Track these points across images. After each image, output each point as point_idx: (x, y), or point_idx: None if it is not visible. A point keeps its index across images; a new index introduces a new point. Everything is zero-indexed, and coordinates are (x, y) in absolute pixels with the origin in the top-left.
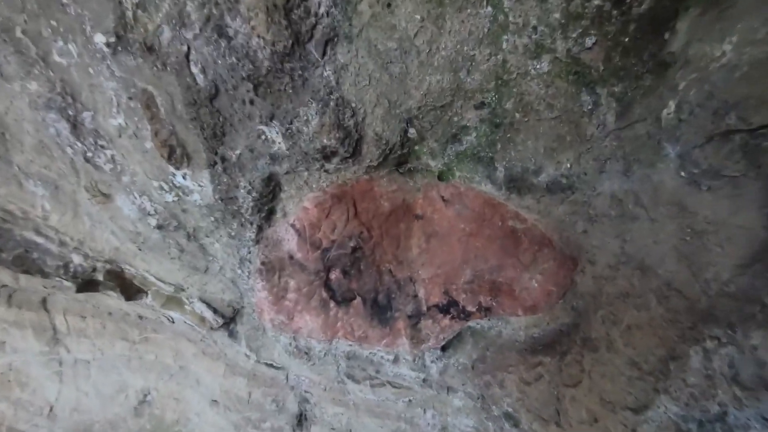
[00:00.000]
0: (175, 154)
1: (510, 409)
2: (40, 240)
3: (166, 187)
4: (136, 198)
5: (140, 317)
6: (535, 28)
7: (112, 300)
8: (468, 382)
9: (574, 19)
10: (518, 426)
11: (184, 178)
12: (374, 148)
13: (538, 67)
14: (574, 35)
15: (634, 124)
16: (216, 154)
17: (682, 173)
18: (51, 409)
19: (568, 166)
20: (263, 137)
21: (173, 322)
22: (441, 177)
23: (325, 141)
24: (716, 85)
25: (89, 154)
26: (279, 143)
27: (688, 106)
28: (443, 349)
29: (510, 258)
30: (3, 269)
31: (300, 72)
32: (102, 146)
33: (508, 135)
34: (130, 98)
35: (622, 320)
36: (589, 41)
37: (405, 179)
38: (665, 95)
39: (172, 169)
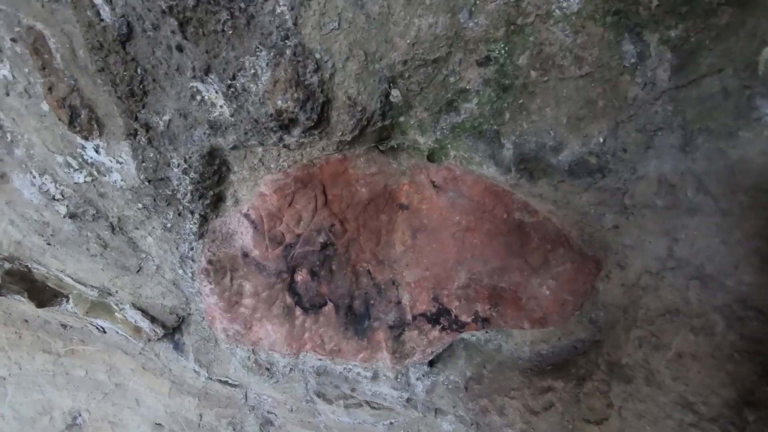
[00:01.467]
0: (79, 118)
1: None
2: None
3: (74, 163)
4: (35, 177)
5: (63, 326)
6: None
7: (26, 305)
8: (460, 404)
9: None
10: None
11: (96, 151)
12: (347, 117)
13: (565, 5)
14: None
15: (700, 80)
16: (136, 119)
17: None
18: None
19: (601, 140)
20: (199, 98)
21: (104, 332)
22: (432, 157)
23: (279, 103)
24: None
25: None
26: (220, 106)
27: None
28: (431, 364)
29: (515, 259)
30: None
31: (242, 5)
32: None
33: (521, 101)
34: (14, 40)
35: (669, 346)
36: (631, 50)
37: (387, 160)
38: (765, 29)
39: (79, 139)
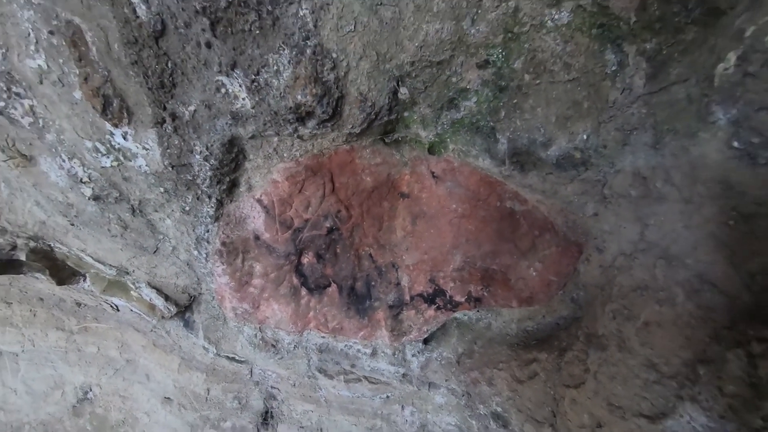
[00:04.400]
0: (111, 106)
1: (499, 409)
2: None
3: (102, 148)
4: (64, 161)
5: (78, 304)
6: None
7: (42, 284)
8: (452, 377)
9: None
10: (507, 427)
11: (124, 138)
12: (357, 111)
13: (556, 17)
14: None
15: (669, 87)
16: (164, 109)
17: (735, 143)
18: None
19: (585, 137)
20: (223, 90)
21: (118, 309)
22: (432, 150)
23: (299, 98)
24: None
25: (1, 104)
26: (243, 99)
27: (760, 56)
28: (426, 341)
29: (506, 243)
30: None
31: (269, 8)
32: (18, 94)
33: (515, 100)
34: (51, 32)
35: (638, 316)
36: (612, 59)
37: (391, 151)
38: (718, 48)
39: (109, 126)
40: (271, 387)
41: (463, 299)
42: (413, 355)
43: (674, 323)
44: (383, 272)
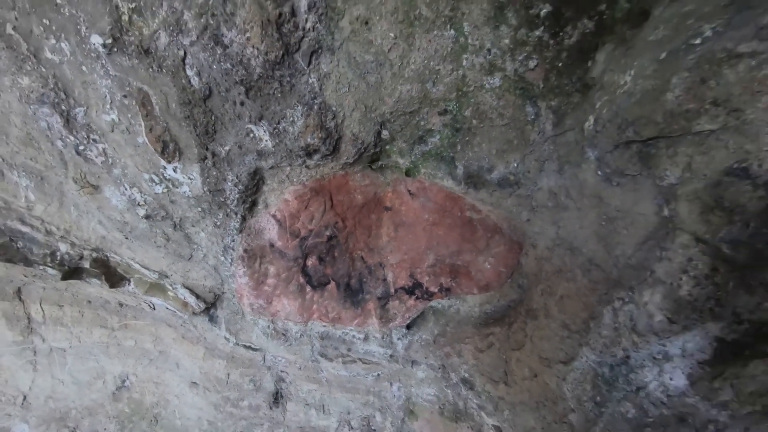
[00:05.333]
0: (167, 148)
1: (466, 375)
2: (25, 229)
3: (156, 179)
4: (126, 189)
5: (120, 304)
6: (489, 50)
7: (93, 288)
8: (430, 355)
9: (520, 45)
10: (473, 389)
11: (174, 171)
12: (351, 147)
13: (491, 82)
14: (520, 58)
15: (565, 132)
16: (207, 149)
17: (599, 172)
18: (24, 398)
19: (515, 165)
20: (251, 135)
21: (154, 308)
22: (408, 173)
23: (308, 140)
24: (620, 107)
25: (81, 147)
26: (266, 141)
27: (601, 121)
28: (408, 327)
29: (467, 244)
30: None
31: (288, 78)
32: (94, 140)
33: (466, 138)
34: (124, 96)
35: (556, 292)
36: (531, 63)
37: (377, 175)
38: (587, 111)
39: (163, 162)
40: (281, 371)
41: (436, 289)
42: (398, 339)
43: (576, 294)
44: (372, 270)
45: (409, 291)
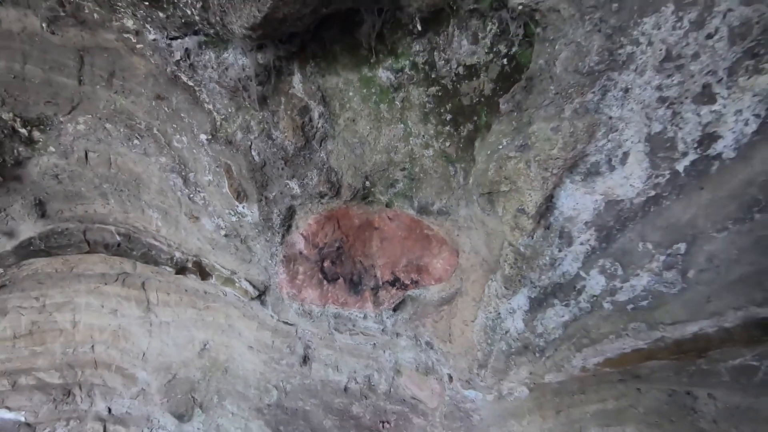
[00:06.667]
0: (240, 195)
1: (428, 339)
2: (156, 243)
3: (232, 213)
4: (215, 219)
5: (205, 292)
6: (423, 135)
7: (190, 281)
8: (408, 328)
9: (439, 134)
10: (433, 348)
11: (243, 208)
12: (348, 191)
13: (427, 153)
14: (440, 140)
15: (468, 184)
16: (262, 195)
17: (479, 208)
18: (144, 354)
19: (445, 201)
20: (288, 186)
21: (226, 295)
22: (387, 205)
23: (321, 189)
24: (475, 175)
25: (191, 195)
26: (296, 189)
27: (474, 180)
28: (395, 309)
29: (426, 251)
30: (129, 261)
31: (308, 154)
32: (198, 191)
33: (418, 185)
34: (217, 166)
35: (470, 278)
36: (446, 144)
37: (367, 206)
38: (468, 172)
39: (236, 203)
40: (308, 340)
41: (409, 282)
42: (387, 318)
43: (478, 279)
44: (367, 270)
45: (392, 283)
